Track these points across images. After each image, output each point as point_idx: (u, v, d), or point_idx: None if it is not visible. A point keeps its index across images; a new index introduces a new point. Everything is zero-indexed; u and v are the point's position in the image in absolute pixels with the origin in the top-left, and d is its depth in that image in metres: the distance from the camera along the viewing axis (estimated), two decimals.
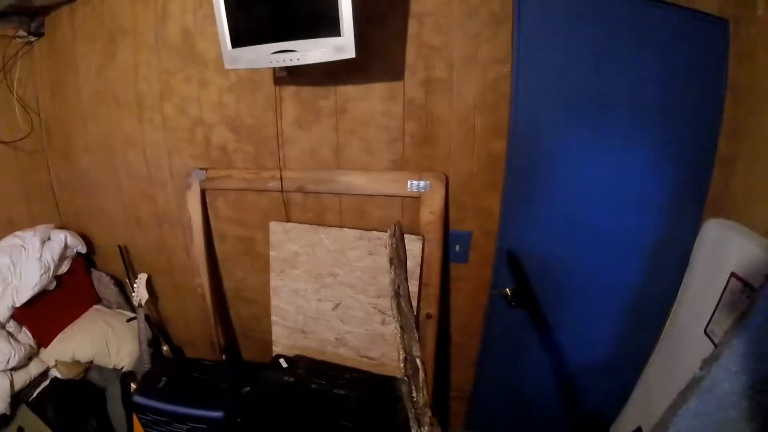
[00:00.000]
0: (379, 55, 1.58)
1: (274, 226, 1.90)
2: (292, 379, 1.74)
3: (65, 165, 2.36)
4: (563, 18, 1.47)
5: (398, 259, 1.19)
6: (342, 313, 1.85)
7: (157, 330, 2.37)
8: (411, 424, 1.11)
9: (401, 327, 1.14)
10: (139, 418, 1.87)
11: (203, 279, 2.11)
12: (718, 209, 1.48)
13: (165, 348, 2.34)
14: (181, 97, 1.91)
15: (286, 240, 1.88)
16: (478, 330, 1.86)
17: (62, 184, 2.43)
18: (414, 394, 1.14)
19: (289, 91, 1.74)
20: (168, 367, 1.97)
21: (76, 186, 2.38)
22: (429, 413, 1.13)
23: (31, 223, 2.30)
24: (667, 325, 1.67)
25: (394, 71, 1.59)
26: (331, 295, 1.85)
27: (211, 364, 2.00)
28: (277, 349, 2.01)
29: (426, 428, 1.11)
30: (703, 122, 1.48)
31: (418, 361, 1.15)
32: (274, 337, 2.02)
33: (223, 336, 2.28)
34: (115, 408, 2.20)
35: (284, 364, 1.82)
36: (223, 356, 2.24)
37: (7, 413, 1.99)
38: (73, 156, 2.31)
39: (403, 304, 1.17)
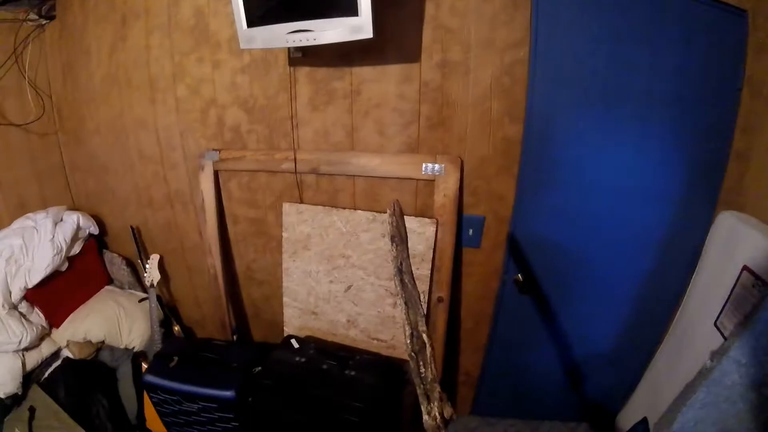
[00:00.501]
0: (395, 36, 1.57)
1: (287, 208, 1.90)
2: (303, 360, 1.75)
3: (77, 147, 2.36)
4: (582, 4, 1.45)
5: (399, 236, 1.19)
6: (353, 295, 1.86)
7: (168, 310, 2.39)
8: (420, 401, 1.10)
9: (406, 303, 1.13)
10: (150, 398, 1.89)
11: (215, 260, 2.12)
12: (732, 202, 1.48)
13: (176, 328, 2.36)
14: (194, 78, 1.91)
15: (299, 221, 1.88)
16: (487, 315, 1.87)
17: (74, 166, 2.44)
18: (422, 370, 1.13)
19: (303, 72, 1.73)
20: (179, 347, 1.98)
21: (88, 168, 2.38)
22: (438, 388, 1.12)
23: (43, 205, 2.31)
24: (676, 316, 1.67)
25: (410, 53, 1.58)
26: (343, 277, 1.86)
27: (222, 343, 2.01)
28: (288, 330, 2.03)
29: (436, 404, 1.10)
30: (718, 115, 1.47)
31: (424, 336, 1.15)
32: (285, 318, 2.04)
33: (234, 316, 2.29)
34: (126, 388, 2.22)
35: (295, 345, 1.83)
36: (234, 337, 2.25)
37: (19, 393, 2.01)
38: (84, 138, 2.31)
39: (406, 280, 1.17)
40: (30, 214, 2.20)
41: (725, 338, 1.34)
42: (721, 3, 1.37)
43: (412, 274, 1.18)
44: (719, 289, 1.41)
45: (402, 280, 1.14)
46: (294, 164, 1.83)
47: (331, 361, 1.72)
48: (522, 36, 1.48)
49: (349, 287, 1.86)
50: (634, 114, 1.51)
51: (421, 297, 1.74)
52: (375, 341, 1.87)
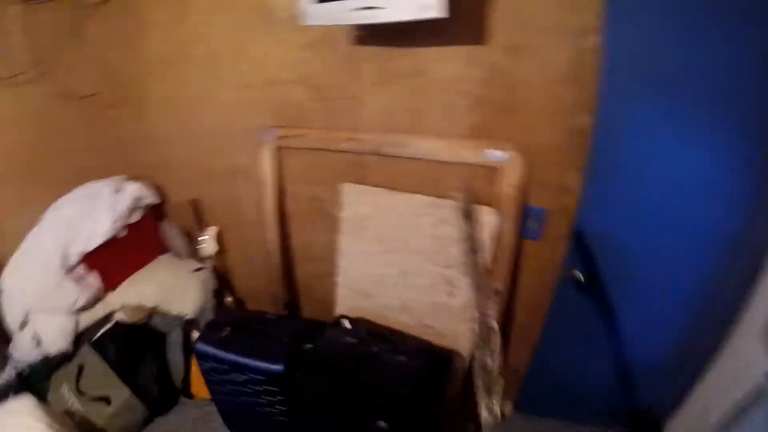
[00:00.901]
0: (464, 16, 1.50)
1: (347, 188, 1.90)
2: (354, 340, 1.75)
3: (137, 120, 2.42)
4: None
5: (471, 214, 1.15)
6: (408, 280, 1.85)
7: (222, 282, 2.44)
8: (479, 395, 1.05)
9: (475, 285, 1.08)
10: (200, 365, 1.94)
11: (272, 235, 2.15)
12: None
13: (228, 299, 2.42)
14: (256, 55, 1.91)
15: (358, 202, 1.88)
16: (542, 311, 1.82)
17: (135, 137, 2.49)
18: (489, 361, 1.08)
19: (367, 50, 1.70)
20: (231, 318, 2.02)
21: (148, 140, 2.44)
22: (502, 382, 1.06)
23: (103, 175, 2.38)
24: (736, 328, 1.57)
25: (479, 35, 1.52)
26: (399, 261, 1.84)
27: (274, 318, 2.04)
28: (339, 310, 2.04)
29: (497, 400, 1.05)
30: None
31: (494, 324, 1.08)
32: (337, 298, 2.05)
33: (286, 292, 2.32)
34: (175, 354, 2.30)
35: (347, 325, 1.84)
36: (285, 311, 2.29)
37: (69, 351, 2.12)
38: (145, 111, 2.37)
39: (479, 260, 1.12)
40: (91, 183, 2.29)
41: None
42: None
43: (483, 255, 1.12)
44: None
45: (475, 260, 1.09)
46: (356, 144, 1.82)
47: (381, 344, 1.72)
48: (595, 22, 1.40)
49: (404, 272, 1.84)
50: (712, 109, 1.40)
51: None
52: (426, 328, 1.85)
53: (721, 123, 1.40)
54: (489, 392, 1.04)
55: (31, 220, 2.15)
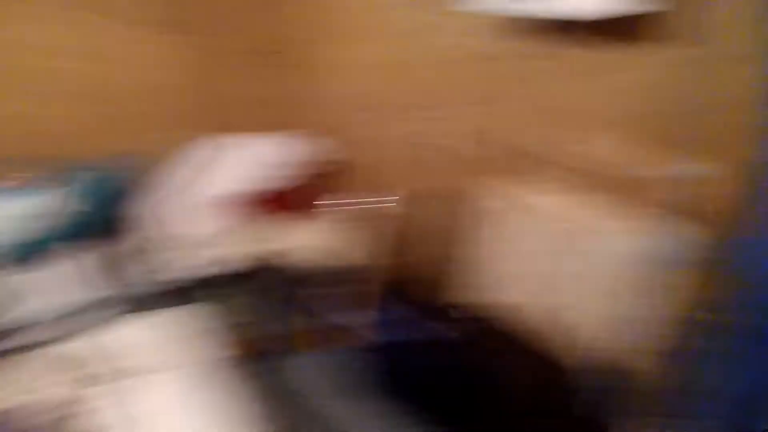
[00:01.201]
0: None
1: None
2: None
3: (315, 82, 2.54)
4: None
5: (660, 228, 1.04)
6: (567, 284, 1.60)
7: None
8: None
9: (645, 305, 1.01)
10: None
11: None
12: None
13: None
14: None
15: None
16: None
17: (313, 99, 2.60)
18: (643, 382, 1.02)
19: None
20: None
21: (329, 101, 2.54)
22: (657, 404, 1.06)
23: (287, 130, 2.53)
24: None
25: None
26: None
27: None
28: None
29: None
30: None
31: (645, 345, 1.07)
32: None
33: None
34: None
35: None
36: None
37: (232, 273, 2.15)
38: (327, 74, 2.48)
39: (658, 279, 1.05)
40: (273, 135, 2.46)
41: None
42: None
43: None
44: None
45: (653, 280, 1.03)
46: None
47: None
48: None
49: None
50: None
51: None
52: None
53: None
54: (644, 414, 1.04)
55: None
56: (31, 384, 1.34)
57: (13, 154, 1.88)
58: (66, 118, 2.14)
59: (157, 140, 2.30)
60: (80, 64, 2.15)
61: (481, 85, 1.87)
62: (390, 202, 2.29)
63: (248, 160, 2.41)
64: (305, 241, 2.36)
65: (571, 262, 1.58)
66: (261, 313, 2.01)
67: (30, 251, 1.70)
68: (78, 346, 1.57)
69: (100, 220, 1.95)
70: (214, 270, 2.11)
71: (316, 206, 2.57)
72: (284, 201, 2.49)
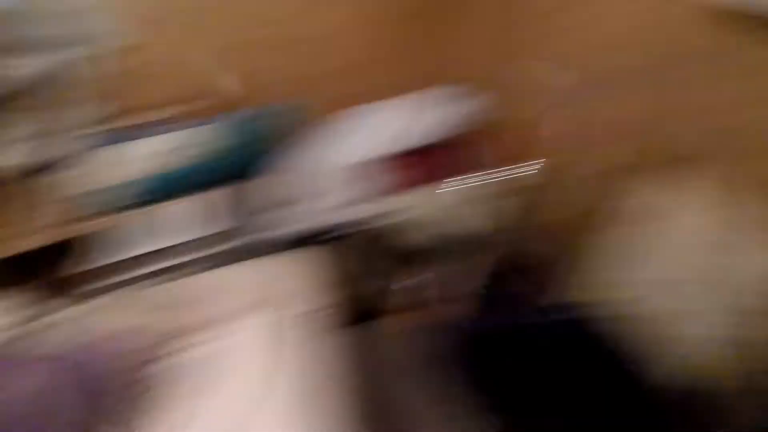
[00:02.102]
0: None
1: None
2: None
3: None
4: None
5: None
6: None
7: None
8: None
9: None
10: None
11: None
12: None
13: None
14: None
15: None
16: None
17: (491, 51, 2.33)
18: None
19: None
20: None
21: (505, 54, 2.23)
22: None
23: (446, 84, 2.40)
24: None
25: None
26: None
27: None
28: None
29: None
30: None
31: None
32: None
33: None
34: None
35: None
36: None
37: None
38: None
39: None
40: (423, 93, 2.36)
41: None
42: None
43: None
44: None
45: None
46: None
47: None
48: None
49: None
50: None
51: None
52: None
53: None
54: None
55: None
56: (137, 317, 1.42)
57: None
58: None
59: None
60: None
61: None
62: (532, 170, 2.07)
63: (391, 122, 2.34)
64: (431, 207, 2.25)
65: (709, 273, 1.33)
66: (368, 276, 1.98)
67: (169, 185, 1.88)
68: (188, 283, 1.68)
69: (243, 161, 2.06)
70: (335, 225, 2.12)
71: (458, 170, 2.35)
72: (428, 163, 2.35)
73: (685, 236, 1.41)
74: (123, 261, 1.81)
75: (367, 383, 1.44)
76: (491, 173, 2.28)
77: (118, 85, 1.83)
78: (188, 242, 1.94)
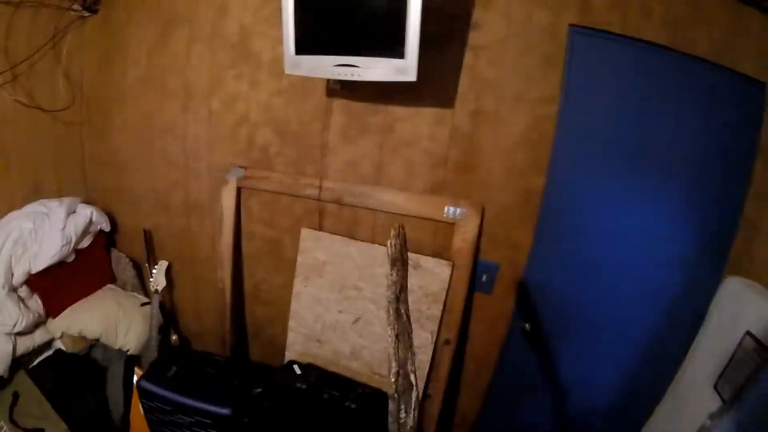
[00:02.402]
0: (434, 80, 1.61)
1: (306, 233, 1.91)
2: (304, 386, 1.74)
3: (100, 141, 2.37)
4: (611, 68, 1.53)
5: (401, 260, 1.11)
6: (361, 328, 1.86)
7: (168, 318, 2.36)
8: None
9: (397, 336, 1.04)
10: (142, 404, 1.86)
11: (225, 274, 2.11)
12: (739, 268, 1.54)
13: (174, 337, 2.33)
14: (230, 94, 1.94)
15: (316, 248, 1.89)
16: (491, 361, 1.88)
17: (94, 159, 2.43)
18: (402, 415, 1.06)
19: (339, 103, 1.77)
20: (178, 357, 1.97)
21: (109, 163, 2.38)
22: None
23: (58, 194, 2.29)
24: (677, 376, 1.69)
25: (446, 98, 1.63)
26: (353, 309, 1.86)
27: (222, 360, 1.99)
28: (289, 355, 2.02)
29: None
30: (732, 182, 1.54)
31: (412, 377, 1.07)
32: (288, 342, 2.03)
33: (235, 333, 2.27)
34: (115, 389, 2.19)
35: (298, 371, 1.82)
36: (231, 353, 2.23)
37: (5, 377, 1.97)
38: (109, 134, 2.32)
39: (402, 310, 1.07)
40: (44, 200, 2.19)
41: (724, 401, 1.38)
42: (741, 74, 1.45)
43: (408, 306, 1.12)
44: (721, 352, 1.45)
45: (397, 310, 1.06)
46: (318, 191, 1.86)
47: (332, 390, 1.72)
48: (553, 93, 1.54)
49: (358, 319, 1.86)
50: (653, 176, 1.57)
51: (431, 338, 1.75)
52: (377, 376, 1.86)
53: (664, 187, 1.56)
54: None
55: None
56: None
57: None
58: None
59: None
60: None
61: None
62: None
63: (42, 232, 2.09)
64: (95, 325, 2.15)
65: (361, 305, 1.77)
66: None
67: None
68: None
69: None
70: None
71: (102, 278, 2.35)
72: (73, 274, 2.21)
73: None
74: None
75: None
76: None
77: None
78: None
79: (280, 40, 1.55)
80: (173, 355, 2.00)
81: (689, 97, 1.50)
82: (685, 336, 1.65)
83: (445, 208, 1.69)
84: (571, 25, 1.49)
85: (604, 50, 1.52)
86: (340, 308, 1.89)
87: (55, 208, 2.15)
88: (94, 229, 2.28)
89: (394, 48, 1.40)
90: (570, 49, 1.51)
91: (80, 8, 2.20)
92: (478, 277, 1.77)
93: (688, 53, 1.45)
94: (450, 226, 1.71)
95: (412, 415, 1.05)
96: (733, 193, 1.54)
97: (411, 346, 1.08)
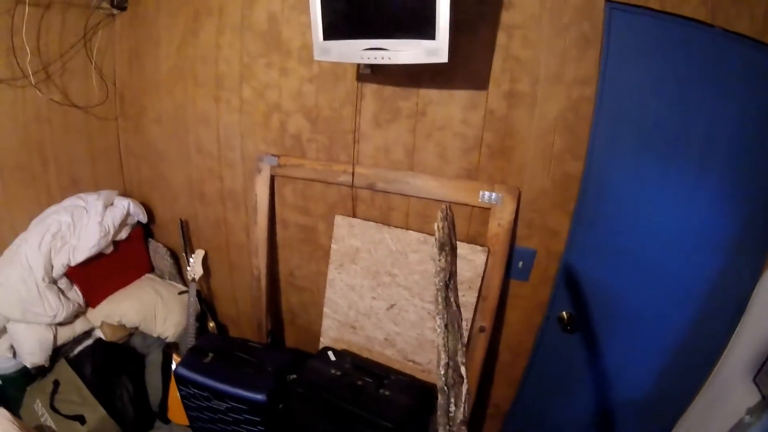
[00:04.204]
0: (465, 62, 1.57)
1: (339, 220, 1.91)
2: (338, 373, 1.74)
3: (135, 134, 2.43)
4: (650, 47, 1.45)
5: (450, 245, 1.06)
6: (395, 315, 1.85)
7: (206, 306, 2.41)
8: None
9: (446, 326, 1.00)
10: (180, 390, 1.90)
11: (260, 261, 2.13)
12: None
13: (211, 324, 2.38)
14: (261, 82, 1.94)
15: (349, 235, 1.89)
16: (526, 350, 1.84)
17: (130, 152, 2.50)
18: (452, 408, 1.01)
19: (370, 88, 1.75)
20: (215, 344, 2.00)
21: (144, 156, 2.44)
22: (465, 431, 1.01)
23: (95, 187, 2.37)
24: (715, 369, 1.62)
25: (479, 80, 1.59)
26: (387, 295, 1.85)
27: (257, 346, 2.02)
28: (324, 341, 2.03)
29: None
30: None
31: (462, 368, 1.02)
32: (322, 329, 2.03)
33: (271, 320, 2.30)
34: (153, 376, 2.25)
35: (332, 357, 1.82)
36: (268, 340, 2.26)
37: (46, 365, 2.07)
38: (144, 126, 2.37)
39: (452, 299, 1.02)
40: (82, 194, 2.27)
41: (763, 395, 1.31)
42: None
43: (458, 293, 1.07)
44: (761, 344, 1.37)
45: (447, 298, 1.01)
46: (351, 178, 1.84)
47: (366, 377, 1.72)
48: (590, 73, 1.47)
49: (392, 306, 1.85)
50: (694, 159, 1.48)
51: (465, 325, 1.72)
52: (410, 363, 1.85)
53: (705, 173, 1.48)
54: None
55: (19, 227, 2.11)
56: None
57: None
58: None
59: None
60: None
61: None
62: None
63: (81, 225, 2.18)
64: (133, 314, 2.21)
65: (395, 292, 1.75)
66: None
67: None
68: None
69: None
70: None
71: (140, 268, 2.42)
72: (112, 265, 2.28)
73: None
74: None
75: None
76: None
77: None
78: None
79: (308, 27, 1.54)
80: (210, 342, 2.03)
81: (730, 77, 1.40)
82: (724, 327, 1.57)
83: (480, 193, 1.66)
84: (608, 1, 1.42)
85: (643, 28, 1.44)
86: (374, 295, 1.88)
87: (93, 201, 2.21)
88: (131, 220, 2.35)
89: (424, 29, 1.36)
90: (607, 27, 1.44)
91: (109, 6, 2.24)
92: (514, 263, 1.72)
93: (728, 29, 1.38)
94: (485, 211, 1.68)
95: (462, 409, 1.00)
96: None
97: (461, 336, 1.04)
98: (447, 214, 1.07)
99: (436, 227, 1.04)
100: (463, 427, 1.00)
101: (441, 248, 1.03)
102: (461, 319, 1.06)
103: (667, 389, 1.74)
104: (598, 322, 1.74)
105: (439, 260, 1.02)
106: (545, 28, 1.49)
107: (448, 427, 0.99)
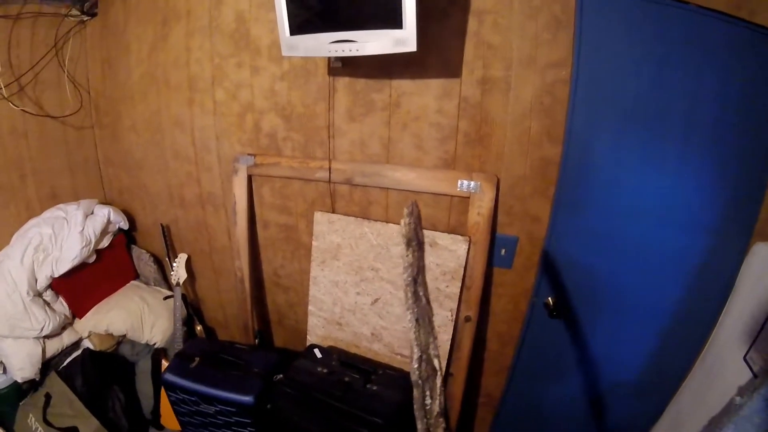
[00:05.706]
0: (437, 50, 1.55)
1: (319, 217, 1.89)
2: (325, 371, 1.73)
3: (112, 142, 2.40)
4: (625, 26, 1.43)
5: (417, 241, 1.04)
6: (380, 309, 1.84)
7: (192, 310, 2.40)
8: None
9: (417, 320, 0.99)
10: (168, 396, 1.90)
11: (243, 263, 2.12)
12: None
13: (198, 328, 2.37)
14: (233, 83, 1.92)
15: (330, 231, 1.87)
16: (514, 337, 1.83)
17: (108, 160, 2.47)
18: (427, 401, 1.02)
19: (342, 82, 1.73)
20: (201, 348, 1.99)
21: (122, 163, 2.41)
22: (443, 424, 1.03)
23: (75, 197, 2.35)
24: (705, 348, 1.61)
25: (451, 68, 1.57)
26: (371, 290, 1.84)
27: (244, 347, 2.01)
28: (311, 339, 2.01)
29: None
30: (757, 144, 1.41)
31: (435, 361, 1.03)
32: (309, 327, 2.02)
33: (258, 321, 2.29)
34: (144, 383, 2.24)
35: (318, 355, 1.81)
36: (256, 341, 2.25)
37: (37, 379, 2.05)
38: (120, 134, 2.34)
39: (420, 293, 1.02)
40: (61, 205, 2.25)
41: (754, 373, 1.30)
42: (761, 26, 1.32)
43: (427, 287, 1.06)
44: (750, 322, 1.36)
45: (415, 293, 1.01)
46: (328, 173, 1.83)
47: (353, 373, 1.71)
48: (564, 55, 1.46)
49: (376, 300, 1.84)
50: (674, 139, 1.46)
51: (451, 316, 1.72)
52: (398, 356, 1.84)
53: (688, 151, 1.46)
54: None
55: (1, 243, 2.09)
56: None
57: None
58: None
59: None
60: None
61: None
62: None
63: (62, 236, 2.16)
64: (120, 322, 2.19)
65: (379, 286, 1.73)
66: None
67: None
68: None
69: None
70: None
71: (124, 276, 2.39)
72: (96, 274, 2.28)
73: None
74: None
75: None
76: None
77: None
78: None
79: (276, 24, 1.51)
80: (196, 346, 2.02)
81: (709, 56, 1.38)
82: (713, 306, 1.56)
83: (459, 183, 1.64)
84: None
85: (617, 7, 1.42)
86: (358, 290, 1.87)
87: (73, 211, 2.19)
88: (112, 228, 2.32)
89: (391, 18, 1.34)
90: (579, 8, 1.42)
91: (78, 13, 2.21)
92: (496, 251, 1.71)
93: (704, 6, 1.36)
94: (464, 200, 1.66)
95: (438, 401, 1.01)
96: (759, 155, 1.42)
97: (432, 329, 1.04)
98: (412, 209, 1.06)
99: (402, 223, 1.03)
100: (441, 419, 1.00)
101: (408, 244, 1.02)
102: (432, 314, 1.06)
103: (659, 370, 1.74)
104: (585, 306, 1.73)
105: (407, 256, 1.01)
106: (516, 12, 1.47)
107: (425, 420, 0.99)
